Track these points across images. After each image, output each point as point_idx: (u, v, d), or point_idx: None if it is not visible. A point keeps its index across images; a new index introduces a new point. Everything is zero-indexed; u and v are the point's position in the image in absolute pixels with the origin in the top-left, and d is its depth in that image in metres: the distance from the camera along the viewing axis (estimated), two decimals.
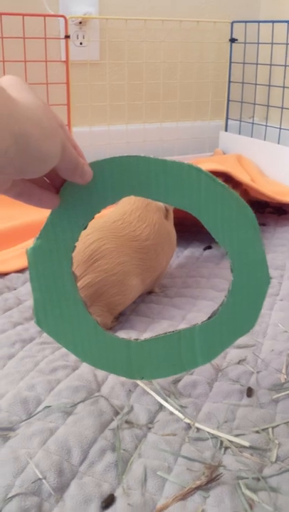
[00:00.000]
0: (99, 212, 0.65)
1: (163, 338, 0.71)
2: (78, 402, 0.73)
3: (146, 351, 0.71)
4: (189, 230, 1.40)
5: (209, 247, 1.35)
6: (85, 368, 0.81)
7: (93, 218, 0.66)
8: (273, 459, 0.64)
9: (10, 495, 0.58)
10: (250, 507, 0.58)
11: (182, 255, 1.31)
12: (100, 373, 0.80)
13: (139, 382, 0.77)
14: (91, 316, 0.70)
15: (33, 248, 0.66)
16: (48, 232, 0.66)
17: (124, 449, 0.66)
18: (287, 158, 1.71)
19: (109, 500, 0.59)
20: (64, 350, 0.86)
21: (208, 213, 0.65)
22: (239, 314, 0.70)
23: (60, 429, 0.68)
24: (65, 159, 0.55)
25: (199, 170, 0.64)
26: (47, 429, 0.67)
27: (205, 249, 1.35)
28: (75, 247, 0.67)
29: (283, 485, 0.61)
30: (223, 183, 0.65)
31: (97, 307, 0.92)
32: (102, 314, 0.92)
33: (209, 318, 0.71)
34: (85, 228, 0.66)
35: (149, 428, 0.70)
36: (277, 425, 0.70)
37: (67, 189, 0.63)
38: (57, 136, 0.51)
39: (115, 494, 0.60)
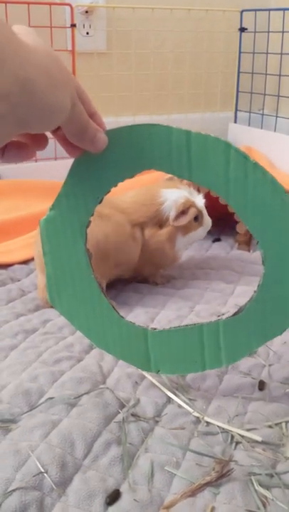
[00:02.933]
0: (115, 185, 0.61)
1: (184, 330, 0.67)
2: (82, 394, 0.70)
3: (165, 343, 0.67)
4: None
5: (218, 239, 1.32)
6: (90, 360, 0.78)
7: (109, 192, 0.62)
8: (287, 455, 0.61)
9: (10, 489, 0.55)
10: (264, 505, 0.55)
11: (191, 247, 1.28)
12: (106, 365, 0.77)
13: (146, 374, 0.74)
14: (107, 298, 0.66)
15: (46, 220, 0.63)
16: (61, 204, 0.62)
17: (130, 443, 0.63)
18: None
19: (114, 496, 0.56)
20: (69, 340, 0.83)
21: (236, 195, 0.59)
22: (270, 312, 0.63)
23: (63, 421, 0.65)
24: (74, 119, 0.50)
25: (228, 144, 0.58)
26: (49, 422, 0.64)
27: (214, 241, 1.31)
28: (89, 222, 0.63)
29: None
30: (255, 161, 0.58)
31: None
32: None
33: (236, 313, 0.66)
34: (100, 202, 0.62)
35: (157, 421, 0.67)
36: None
37: (82, 159, 0.59)
38: (66, 88, 0.47)
39: (121, 489, 0.57)
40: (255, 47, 1.85)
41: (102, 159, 0.58)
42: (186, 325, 0.68)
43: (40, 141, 0.54)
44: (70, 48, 1.65)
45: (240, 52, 1.89)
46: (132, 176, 0.61)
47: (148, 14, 1.74)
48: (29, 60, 0.42)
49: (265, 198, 0.59)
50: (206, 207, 1.10)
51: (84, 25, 1.68)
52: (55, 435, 0.62)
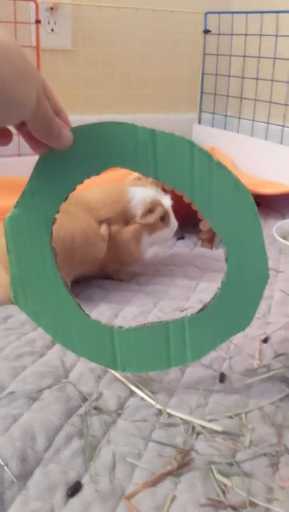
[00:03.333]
0: (81, 182, 0.61)
1: (149, 328, 0.67)
2: (44, 388, 0.69)
3: (131, 341, 0.67)
4: None
5: (182, 238, 1.33)
6: (53, 355, 0.78)
7: (75, 189, 0.61)
8: (246, 444, 0.62)
9: None
10: (223, 492, 0.56)
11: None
12: (68, 360, 0.77)
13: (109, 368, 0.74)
14: (73, 297, 0.66)
15: (11, 217, 0.62)
16: (26, 201, 0.61)
17: (92, 436, 0.63)
18: (260, 151, 1.70)
19: (75, 488, 0.55)
20: (30, 336, 0.83)
21: (201, 194, 0.60)
22: (234, 309, 0.65)
23: (24, 415, 0.64)
24: (39, 115, 0.49)
25: (192, 143, 0.59)
26: (10, 416, 0.64)
27: (178, 239, 1.33)
28: (55, 219, 0.62)
29: (256, 470, 0.59)
30: (218, 160, 0.59)
31: None
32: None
33: (200, 310, 0.66)
34: (65, 200, 0.61)
35: (119, 414, 0.67)
36: (250, 410, 0.68)
37: (47, 155, 0.58)
38: (31, 83, 0.46)
39: (82, 481, 0.56)
40: (218, 49, 1.87)
41: (68, 156, 0.58)
42: (152, 322, 0.68)
43: (5, 136, 0.53)
44: (34, 44, 1.64)
45: (204, 54, 1.92)
46: (97, 174, 0.61)
47: (113, 13, 1.75)
48: None
49: (229, 197, 0.60)
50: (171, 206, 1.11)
51: (49, 22, 1.67)
52: (15, 429, 0.61)
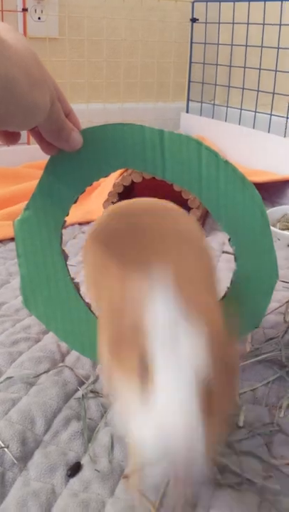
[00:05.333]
0: (90, 184, 0.61)
1: None
2: (41, 373, 0.70)
3: None
4: None
5: None
6: (49, 339, 0.78)
7: (84, 191, 0.61)
8: (241, 424, 0.64)
9: None
10: (220, 471, 0.57)
11: None
12: (65, 344, 0.77)
13: None
14: (83, 300, 0.66)
15: (21, 220, 0.61)
16: (36, 203, 0.61)
17: (89, 418, 0.64)
18: (247, 140, 1.71)
19: (75, 468, 0.57)
20: (25, 322, 0.83)
21: (208, 193, 0.60)
22: (242, 309, 0.64)
23: (22, 399, 0.65)
24: (52, 118, 0.50)
25: (199, 143, 0.59)
26: (9, 400, 0.64)
27: None
28: (65, 222, 0.62)
29: (251, 449, 0.60)
30: (225, 159, 0.59)
31: None
32: None
33: None
34: (75, 202, 0.62)
35: (115, 397, 0.68)
36: (244, 392, 0.70)
37: (57, 158, 0.59)
38: (45, 88, 0.47)
39: (82, 462, 0.58)
40: (206, 37, 1.88)
41: (77, 158, 0.59)
42: None
43: (13, 136, 0.54)
44: (21, 32, 1.62)
45: (191, 43, 1.92)
46: (107, 175, 0.61)
47: (100, 2, 1.74)
48: (10, 59, 0.42)
49: (236, 195, 0.60)
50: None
51: (36, 10, 1.66)
52: (14, 412, 0.62)
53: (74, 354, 0.75)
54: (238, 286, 0.64)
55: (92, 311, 0.66)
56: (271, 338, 0.82)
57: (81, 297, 0.66)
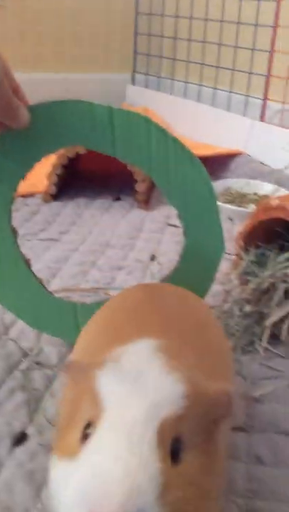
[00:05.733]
0: (39, 161, 0.60)
1: None
2: None
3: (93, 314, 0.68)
4: (99, 180, 1.38)
5: (118, 199, 1.34)
6: None
7: (32, 168, 0.60)
8: None
9: None
10: None
11: (92, 206, 1.29)
12: (8, 316, 0.77)
13: None
14: (35, 276, 0.65)
15: None
16: None
17: (34, 389, 0.64)
18: (192, 113, 1.72)
19: (20, 438, 0.57)
20: None
21: (158, 170, 0.60)
22: (191, 281, 0.65)
23: None
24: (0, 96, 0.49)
25: (148, 120, 0.59)
26: None
27: (114, 200, 1.33)
28: (13, 199, 0.61)
29: None
30: (174, 136, 0.59)
31: None
32: None
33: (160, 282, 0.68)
34: (23, 178, 0.60)
35: (60, 368, 0.69)
36: None
37: (4, 136, 0.57)
38: None
39: (27, 432, 0.58)
40: (151, 8, 1.85)
41: (26, 135, 0.57)
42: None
43: None
44: None
45: (136, 13, 1.89)
46: (55, 151, 0.60)
47: None
48: None
49: (185, 172, 0.61)
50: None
51: None
52: None
53: (17, 327, 0.75)
54: (186, 260, 0.66)
55: (44, 286, 0.66)
56: (211, 307, 0.84)
57: (32, 273, 0.65)
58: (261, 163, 1.48)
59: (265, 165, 1.46)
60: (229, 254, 1.00)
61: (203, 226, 0.63)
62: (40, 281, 0.66)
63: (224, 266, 0.96)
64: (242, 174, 1.44)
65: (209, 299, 0.87)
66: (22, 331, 0.74)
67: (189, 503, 0.32)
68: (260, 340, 0.76)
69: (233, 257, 0.89)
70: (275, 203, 0.79)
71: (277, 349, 0.75)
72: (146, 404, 0.33)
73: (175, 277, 0.67)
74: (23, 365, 0.68)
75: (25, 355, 0.70)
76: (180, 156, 0.60)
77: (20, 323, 0.75)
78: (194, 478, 0.33)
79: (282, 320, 0.76)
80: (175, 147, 0.60)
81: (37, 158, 0.60)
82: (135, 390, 0.34)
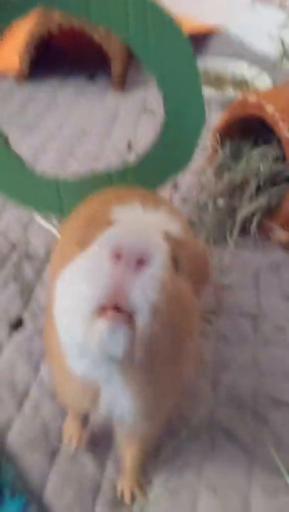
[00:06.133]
0: (10, 24, 0.57)
1: (93, 177, 0.68)
2: None
3: (76, 190, 0.68)
4: (71, 58, 1.33)
5: (92, 76, 1.30)
6: None
7: (4, 32, 0.57)
8: None
9: None
10: None
11: (67, 87, 1.26)
12: None
13: (35, 216, 0.79)
14: (15, 152, 0.65)
15: None
16: None
17: (26, 279, 0.70)
18: None
19: (17, 323, 0.64)
20: None
21: (136, 33, 0.58)
22: (173, 152, 0.66)
23: None
24: None
25: None
26: None
27: (89, 78, 1.30)
28: None
29: None
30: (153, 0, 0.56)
31: None
32: None
33: (140, 157, 0.67)
34: None
35: (48, 259, 0.74)
36: None
37: None
38: None
39: (23, 317, 0.65)
40: None
41: None
42: (95, 172, 0.69)
43: None
44: None
45: None
46: (26, 14, 0.56)
47: None
48: None
49: (164, 37, 0.58)
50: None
51: None
52: None
53: (4, 220, 0.79)
54: (167, 130, 0.65)
55: (24, 162, 0.67)
56: (186, 199, 0.89)
57: (11, 149, 0.66)
58: (239, 41, 1.43)
59: (244, 44, 1.42)
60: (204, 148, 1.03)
61: (184, 93, 0.62)
62: (19, 157, 0.66)
63: (200, 159, 0.99)
64: (219, 53, 1.39)
65: (184, 192, 0.91)
66: (8, 224, 0.78)
67: (175, 311, 0.35)
68: (231, 232, 0.82)
69: (209, 150, 0.92)
70: (252, 99, 0.80)
71: (247, 241, 0.82)
72: (156, 219, 0.39)
73: (155, 151, 0.67)
74: (14, 258, 0.73)
75: (14, 247, 0.74)
76: (159, 19, 0.58)
77: (6, 217, 0.79)
78: (184, 297, 0.37)
79: (252, 214, 0.82)
80: (153, 10, 0.57)
81: (8, 22, 0.58)
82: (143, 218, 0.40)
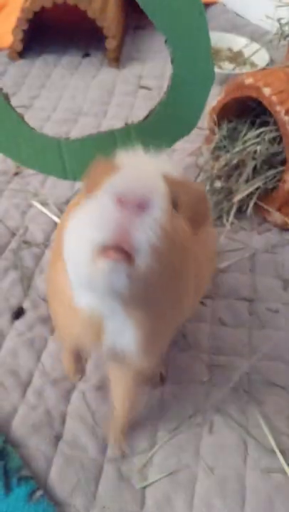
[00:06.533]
0: None
1: (96, 137, 0.67)
2: None
3: (79, 151, 0.67)
4: (66, 36, 1.31)
5: (87, 55, 1.28)
6: None
7: None
8: None
9: None
10: None
11: (60, 64, 1.24)
12: None
13: (34, 202, 0.80)
14: (15, 111, 0.64)
15: None
16: None
17: (25, 267, 0.71)
18: None
19: (18, 312, 0.66)
20: None
21: None
22: (180, 112, 0.64)
23: None
24: None
25: None
26: None
27: (83, 56, 1.28)
28: None
29: None
30: None
31: None
32: None
33: (146, 117, 0.66)
34: None
35: (46, 246, 0.75)
36: None
37: None
38: None
39: (24, 306, 0.67)
40: None
41: None
42: (98, 132, 0.69)
43: None
44: None
45: None
46: None
47: None
48: None
49: None
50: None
51: None
52: None
53: (2, 206, 0.79)
54: (174, 91, 0.64)
55: (25, 122, 0.65)
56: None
57: (13, 108, 0.65)
58: (237, 14, 1.40)
59: (241, 17, 1.39)
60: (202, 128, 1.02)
61: (193, 51, 0.61)
62: (20, 115, 0.65)
63: (197, 140, 0.99)
64: (216, 27, 1.37)
65: (181, 173, 0.91)
66: (7, 211, 0.79)
67: (173, 250, 0.39)
68: (228, 214, 0.82)
69: (206, 131, 0.92)
70: (248, 81, 0.80)
71: (243, 224, 0.83)
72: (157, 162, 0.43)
73: (162, 111, 0.65)
74: (13, 245, 0.74)
75: (12, 235, 0.75)
76: None
77: (5, 203, 0.80)
78: (181, 237, 0.40)
79: (248, 196, 0.83)
80: None
81: None
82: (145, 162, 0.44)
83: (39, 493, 0.48)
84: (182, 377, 0.62)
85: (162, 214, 0.38)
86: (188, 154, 0.95)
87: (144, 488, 0.52)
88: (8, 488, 0.47)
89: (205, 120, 0.94)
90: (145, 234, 0.37)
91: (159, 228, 0.37)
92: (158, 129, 0.66)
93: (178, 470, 0.54)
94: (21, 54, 1.22)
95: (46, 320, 0.65)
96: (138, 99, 1.13)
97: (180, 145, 0.98)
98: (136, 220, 0.37)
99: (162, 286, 0.40)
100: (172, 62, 0.61)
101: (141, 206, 0.37)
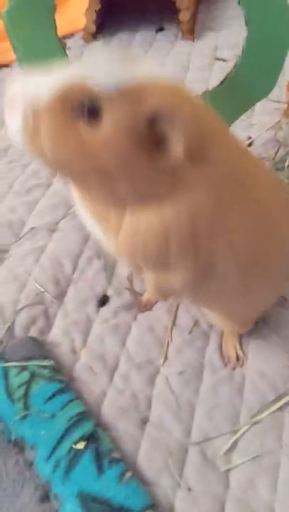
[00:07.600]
0: None
1: None
2: (60, 220, 0.79)
3: None
4: (136, 8, 1.30)
5: (161, 29, 1.27)
6: (59, 184, 0.85)
7: None
8: None
9: (18, 307, 0.67)
10: None
11: (135, 41, 1.24)
12: None
13: None
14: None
15: (8, 11, 0.59)
16: None
17: (108, 255, 0.74)
18: None
19: (103, 300, 0.69)
20: (34, 167, 0.88)
21: None
22: (256, 75, 0.62)
23: (48, 246, 0.75)
24: None
25: None
26: (37, 248, 0.74)
27: (157, 31, 1.26)
28: (55, 6, 0.59)
29: None
30: None
31: None
32: None
33: (221, 83, 0.65)
34: None
35: None
36: None
37: None
38: None
39: (108, 294, 0.70)
40: None
41: None
42: None
43: None
44: None
45: None
46: None
47: None
48: None
49: None
50: None
51: None
52: (45, 259, 0.73)
53: None
54: (249, 54, 0.62)
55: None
56: (262, 158, 0.87)
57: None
58: None
59: None
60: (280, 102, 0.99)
61: (268, 13, 0.58)
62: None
63: (275, 114, 0.96)
64: None
65: (259, 148, 0.90)
66: None
67: None
68: None
69: (285, 104, 0.89)
70: None
71: None
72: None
73: (238, 74, 0.64)
74: None
75: None
76: None
77: None
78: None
79: None
80: None
81: None
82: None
83: (129, 474, 0.51)
84: (264, 361, 0.62)
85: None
86: (267, 129, 0.93)
87: (228, 471, 0.54)
88: (100, 469, 0.51)
89: (283, 93, 0.91)
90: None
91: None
92: (234, 93, 0.64)
93: (261, 455, 0.55)
94: (95, 36, 1.23)
95: (129, 307, 0.68)
96: (214, 72, 1.10)
97: (258, 118, 0.97)
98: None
99: None
100: (246, 23, 0.59)
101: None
